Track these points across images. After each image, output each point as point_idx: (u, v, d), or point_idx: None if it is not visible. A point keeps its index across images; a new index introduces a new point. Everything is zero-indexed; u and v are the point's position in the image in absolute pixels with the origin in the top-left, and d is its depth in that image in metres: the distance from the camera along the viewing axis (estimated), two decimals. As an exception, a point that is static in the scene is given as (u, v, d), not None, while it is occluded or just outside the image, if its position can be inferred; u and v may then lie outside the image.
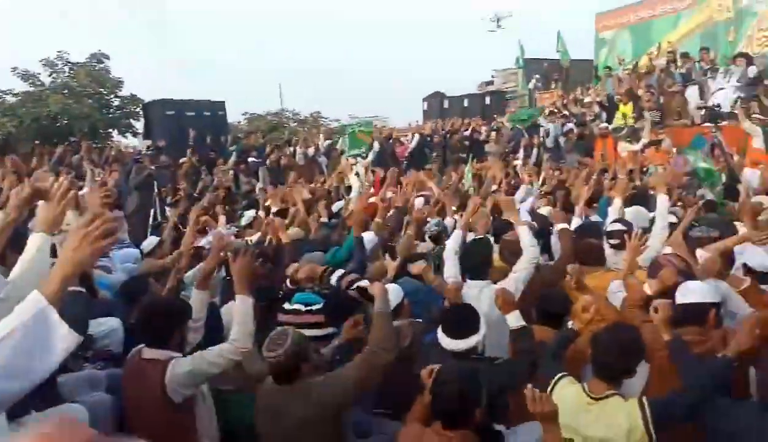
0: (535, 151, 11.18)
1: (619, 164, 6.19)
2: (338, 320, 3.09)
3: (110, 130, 16.40)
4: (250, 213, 6.87)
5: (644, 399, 2.20)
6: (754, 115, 7.84)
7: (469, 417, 2.06)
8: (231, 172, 11.21)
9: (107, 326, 3.55)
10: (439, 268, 3.91)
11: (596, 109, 12.06)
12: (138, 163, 9.03)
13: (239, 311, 2.66)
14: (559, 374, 2.39)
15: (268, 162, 12.30)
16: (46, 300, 1.43)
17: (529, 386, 2.05)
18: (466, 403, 2.05)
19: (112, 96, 16.49)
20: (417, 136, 13.20)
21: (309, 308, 3.03)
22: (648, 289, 2.84)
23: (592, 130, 11.33)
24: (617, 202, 4.98)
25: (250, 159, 12.44)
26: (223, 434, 2.91)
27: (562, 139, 11.62)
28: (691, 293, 2.61)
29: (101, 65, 16.37)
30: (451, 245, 3.80)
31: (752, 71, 9.47)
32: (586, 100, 13.27)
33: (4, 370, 1.36)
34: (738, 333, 2.33)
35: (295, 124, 19.78)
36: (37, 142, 13.57)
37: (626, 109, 11.25)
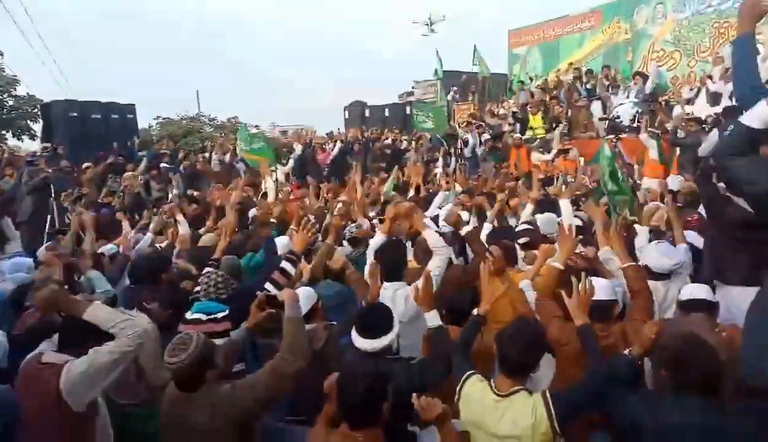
0: (453, 159, 11.46)
1: (534, 172, 6.46)
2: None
3: (3, 131, 15.11)
4: (159, 221, 6.50)
5: (548, 393, 2.23)
6: (649, 129, 8.45)
7: (376, 415, 1.99)
8: (140, 178, 10.60)
9: (-13, 339, 3.18)
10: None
11: (510, 120, 12.57)
12: (31, 166, 8.33)
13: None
14: (468, 372, 2.38)
15: (181, 168, 11.78)
16: None
17: (420, 397, 2.03)
18: (371, 401, 1.99)
19: (5, 95, 15.22)
20: (338, 143, 13.15)
21: (212, 316, 2.85)
22: (556, 262, 2.96)
23: (506, 141, 11.78)
24: (529, 207, 5.21)
25: (162, 165, 11.85)
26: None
27: (479, 149, 12.01)
28: (596, 290, 2.72)
29: (-10, 62, 15.10)
30: (373, 245, 3.79)
31: (643, 91, 10.28)
32: (501, 112, 13.81)
33: None
34: (641, 335, 2.42)
35: (212, 129, 19.12)
36: None
37: (537, 121, 11.83)
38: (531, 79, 14.97)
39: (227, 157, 12.42)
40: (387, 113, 16.71)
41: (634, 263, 3.03)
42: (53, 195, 7.45)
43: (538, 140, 11.17)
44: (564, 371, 2.67)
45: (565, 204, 4.45)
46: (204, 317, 2.83)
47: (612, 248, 3.24)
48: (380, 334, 2.53)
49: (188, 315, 2.88)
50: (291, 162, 11.42)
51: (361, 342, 2.52)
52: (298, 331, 2.40)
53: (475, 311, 2.68)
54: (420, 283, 2.83)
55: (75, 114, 13.35)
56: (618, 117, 9.71)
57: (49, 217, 7.29)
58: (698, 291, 2.87)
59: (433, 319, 2.68)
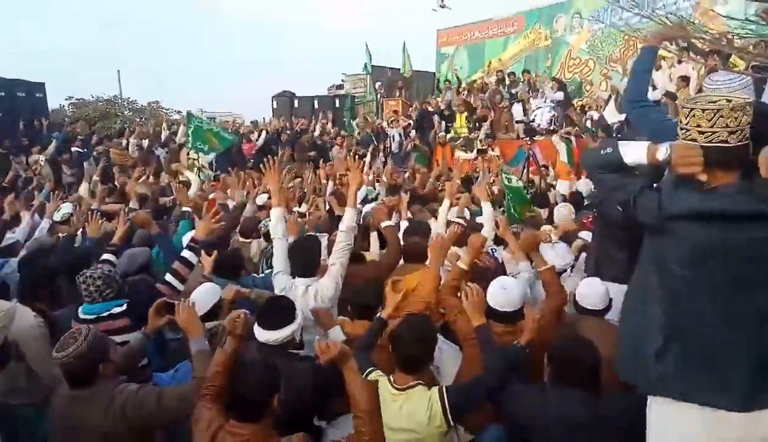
0: (380, 155, 11.61)
1: (456, 169, 6.67)
2: (145, 321, 2.84)
3: None
4: (66, 207, 6.15)
5: (444, 387, 2.34)
6: (562, 132, 8.93)
7: (264, 408, 2.01)
8: (45, 161, 9.98)
9: None
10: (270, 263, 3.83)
11: (436, 118, 12.85)
12: None
13: None
14: (369, 369, 2.46)
15: (95, 153, 11.19)
16: None
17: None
18: (260, 393, 2.00)
19: None
20: (264, 133, 12.94)
21: (109, 312, 2.75)
22: (462, 263, 3.07)
23: (432, 138, 12.06)
24: (446, 203, 5.38)
25: (74, 149, 11.20)
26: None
27: (405, 145, 12.22)
28: (504, 300, 2.83)
29: None
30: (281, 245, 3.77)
31: (559, 96, 10.82)
32: (429, 109, 14.09)
33: None
34: (526, 326, 2.60)
35: (131, 113, 18.23)
36: None
37: (462, 120, 12.18)
38: (458, 78, 15.37)
39: (146, 143, 11.92)
40: (316, 105, 16.59)
41: (550, 266, 3.14)
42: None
43: (462, 139, 11.50)
44: (472, 364, 2.77)
45: (486, 206, 4.60)
46: (100, 315, 2.72)
47: (525, 254, 3.34)
48: (281, 325, 2.54)
49: (80, 314, 2.76)
50: (211, 154, 11.10)
51: (261, 334, 2.52)
52: (205, 361, 2.32)
53: (379, 313, 2.75)
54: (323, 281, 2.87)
55: (-25, 90, 12.35)
56: (534, 120, 10.19)
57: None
58: (590, 291, 3.01)
59: (337, 335, 2.75)
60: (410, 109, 14.35)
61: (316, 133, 13.41)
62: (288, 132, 13.46)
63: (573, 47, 13.28)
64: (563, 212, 5.23)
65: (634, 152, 1.86)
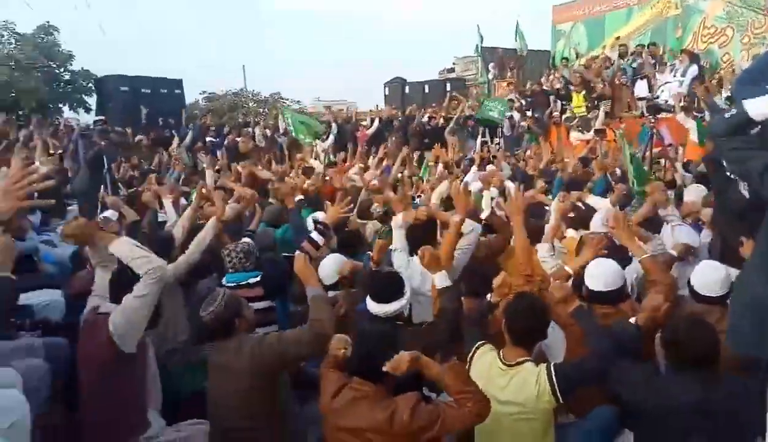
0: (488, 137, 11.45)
1: (567, 151, 6.47)
2: (277, 293, 3.21)
3: (60, 104, 15.85)
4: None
5: (552, 365, 2.36)
6: (692, 109, 8.22)
7: (383, 374, 2.14)
8: (187, 151, 11.03)
9: (48, 298, 3.55)
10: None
11: (551, 98, 12.38)
12: (84, 138, 8.79)
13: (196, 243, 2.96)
14: (479, 342, 2.53)
15: (226, 142, 12.16)
16: None
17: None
18: (377, 358, 2.14)
19: (62, 70, 15.93)
20: (376, 120, 13.25)
21: (245, 282, 3.12)
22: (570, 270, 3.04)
23: (546, 120, 11.66)
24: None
25: (208, 138, 12.27)
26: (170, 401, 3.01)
27: (519, 127, 11.93)
28: (603, 280, 2.80)
29: (50, 38, 15.76)
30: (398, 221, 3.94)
31: (693, 71, 9.90)
32: (543, 89, 13.57)
33: None
34: (645, 305, 2.52)
35: (255, 104, 19.50)
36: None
37: (579, 99, 11.62)
38: (576, 54, 14.62)
39: (269, 132, 12.74)
40: (427, 89, 16.64)
41: (649, 255, 3.04)
42: (106, 166, 7.86)
43: (578, 119, 10.99)
44: (573, 351, 2.76)
45: (595, 202, 4.46)
46: (239, 283, 3.11)
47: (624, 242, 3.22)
48: (391, 299, 2.72)
49: (223, 281, 3.17)
50: (330, 138, 11.62)
51: (373, 306, 2.73)
52: (319, 304, 2.63)
53: (488, 296, 2.80)
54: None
55: (126, 88, 13.89)
56: (658, 97, 9.47)
57: (102, 186, 7.71)
58: (710, 276, 2.83)
59: (440, 280, 2.83)
60: (523, 89, 13.93)
61: (424, 119, 13.47)
62: (400, 119, 13.66)
63: (707, 15, 12.09)
64: (694, 193, 4.88)
65: (759, 105, 1.72)
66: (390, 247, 3.56)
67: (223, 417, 2.61)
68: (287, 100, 20.23)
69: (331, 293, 3.07)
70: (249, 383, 2.51)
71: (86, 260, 3.76)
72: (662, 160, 7.62)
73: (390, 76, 17.59)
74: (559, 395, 2.28)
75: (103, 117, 11.36)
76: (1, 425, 2.09)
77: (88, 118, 15.04)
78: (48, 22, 15.73)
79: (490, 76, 15.52)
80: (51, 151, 7.96)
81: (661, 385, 2.21)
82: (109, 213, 5.45)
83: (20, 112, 13.66)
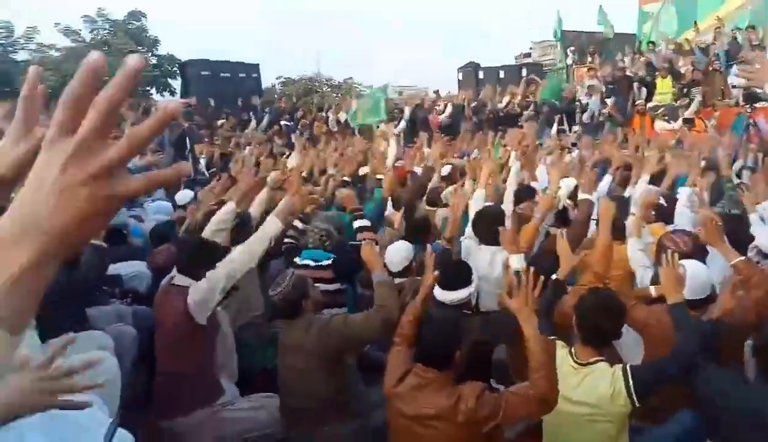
0: (566, 125, 11.03)
1: (642, 141, 6.11)
2: (346, 276, 3.28)
3: (148, 88, 16.74)
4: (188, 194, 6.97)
5: (628, 366, 2.26)
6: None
7: (447, 359, 2.15)
8: (263, 134, 11.38)
9: (136, 269, 3.78)
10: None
11: (635, 85, 11.75)
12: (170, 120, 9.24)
13: (264, 229, 2.99)
14: (549, 338, 2.45)
15: (300, 126, 12.44)
16: None
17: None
18: (443, 344, 2.15)
19: (149, 54, 16.82)
20: (449, 106, 13.10)
21: (318, 263, 3.20)
22: (653, 292, 2.88)
23: (629, 107, 11.09)
24: (643, 179, 4.99)
25: (282, 122, 12.60)
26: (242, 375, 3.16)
27: (599, 115, 11.43)
28: (693, 288, 2.63)
29: (138, 23, 16.65)
30: (474, 206, 3.93)
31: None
32: (627, 75, 12.88)
33: None
34: (720, 303, 2.37)
35: (329, 89, 19.80)
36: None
37: (666, 85, 10.96)
38: (664, 38, 13.77)
39: (342, 116, 12.90)
40: (502, 75, 16.26)
41: (743, 258, 2.83)
42: (189, 147, 8.27)
43: (664, 107, 10.38)
44: (652, 355, 2.63)
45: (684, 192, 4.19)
46: (312, 263, 3.19)
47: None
48: (459, 287, 2.70)
49: (297, 260, 3.26)
50: (402, 124, 11.62)
51: (439, 294, 2.72)
52: (385, 290, 2.68)
53: (553, 276, 2.74)
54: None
55: (207, 73, 14.49)
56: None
57: (184, 167, 8.11)
58: None
59: (516, 261, 2.78)
60: (605, 75, 13.29)
61: (501, 104, 13.16)
62: (473, 104, 13.43)
63: (818, -7, 11.02)
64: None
65: None
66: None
67: (291, 395, 2.71)
68: (359, 85, 20.39)
69: (397, 280, 3.09)
70: (315, 363, 2.58)
71: (171, 233, 4.00)
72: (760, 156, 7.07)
73: (463, 61, 17.33)
74: (635, 398, 2.18)
75: (188, 100, 11.93)
76: (95, 382, 2.27)
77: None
78: (137, 8, 16.66)
79: (569, 61, 14.94)
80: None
81: (751, 395, 2.06)
82: (181, 194, 5.75)
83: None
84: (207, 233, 3.28)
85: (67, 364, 2.30)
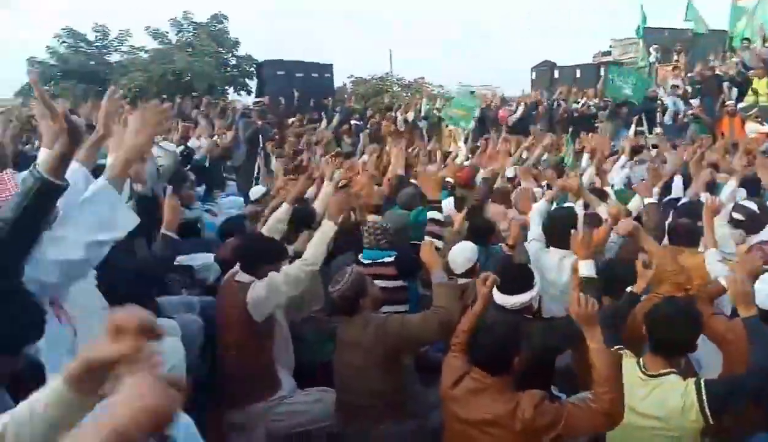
0: (645, 126, 10.49)
1: (742, 144, 5.69)
2: (408, 275, 3.26)
3: (227, 87, 17.44)
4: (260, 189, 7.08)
5: (702, 380, 2.11)
6: None
7: (505, 365, 2.09)
8: (331, 132, 11.56)
9: (206, 261, 3.93)
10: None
11: (726, 85, 10.98)
12: (245, 118, 9.58)
13: (321, 232, 2.95)
14: (616, 347, 2.32)
15: (369, 126, 12.55)
16: (110, 183, 1.78)
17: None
18: (501, 350, 2.08)
19: (229, 55, 17.52)
20: (521, 105, 12.78)
21: (380, 261, 3.20)
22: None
23: (717, 108, 10.39)
24: (731, 183, 4.67)
25: (352, 122, 12.76)
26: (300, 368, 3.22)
27: (682, 116, 10.78)
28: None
29: (220, 26, 17.38)
30: (537, 209, 3.83)
31: None
32: (716, 74, 12.06)
33: (80, 225, 1.71)
34: None
35: (399, 89, 19.82)
36: (164, 96, 14.76)
37: (762, 85, 10.17)
38: (764, 35, 12.76)
39: (410, 116, 12.90)
40: (578, 74, 15.67)
41: None
42: (262, 145, 8.54)
43: (757, 108, 9.63)
44: (729, 370, 2.44)
45: None
46: (373, 261, 3.21)
47: None
48: (519, 291, 2.61)
49: (360, 258, 3.29)
50: (471, 123, 11.45)
51: (499, 297, 2.64)
52: (443, 292, 2.64)
53: (629, 289, 2.59)
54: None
55: (282, 73, 14.92)
56: None
57: (257, 163, 8.40)
58: None
59: (586, 268, 2.66)
60: (692, 74, 12.50)
61: (576, 105, 12.68)
62: (546, 105, 13.03)
63: None
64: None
65: None
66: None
67: (347, 391, 2.72)
68: (430, 84, 20.30)
69: (461, 281, 3.04)
70: (372, 361, 2.57)
71: (240, 229, 4.15)
72: None
73: (538, 60, 16.85)
74: (708, 414, 2.03)
75: (262, 99, 12.32)
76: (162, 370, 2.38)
77: (248, 101, 16.38)
78: (219, 11, 17.41)
79: (652, 60, 14.17)
80: (216, 132, 8.79)
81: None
82: (255, 189, 5.92)
83: (194, 94, 15.26)
84: (265, 230, 3.36)
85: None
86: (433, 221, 3.39)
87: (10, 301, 1.45)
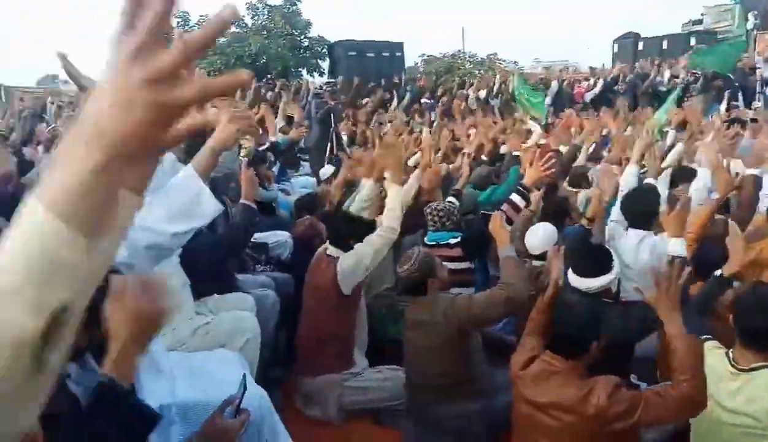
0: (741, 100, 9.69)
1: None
2: (477, 254, 3.22)
3: (300, 69, 17.74)
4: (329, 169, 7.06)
5: None
6: None
7: (579, 350, 2.01)
8: (401, 112, 11.51)
9: (280, 238, 4.06)
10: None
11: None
12: (318, 98, 9.72)
13: (391, 198, 3.05)
14: (704, 337, 2.18)
15: (440, 104, 12.39)
16: (197, 172, 1.83)
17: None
18: (576, 337, 2.01)
19: (302, 37, 17.77)
20: (600, 80, 12.17)
21: (445, 242, 3.19)
22: None
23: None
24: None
25: (423, 100, 12.65)
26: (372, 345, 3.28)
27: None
28: None
29: (293, 8, 17.64)
30: (628, 173, 3.73)
31: None
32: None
33: (167, 215, 1.78)
34: None
35: (471, 66, 19.40)
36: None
37: None
38: None
39: (482, 94, 12.61)
40: (665, 46, 14.67)
41: None
42: (333, 125, 8.63)
43: None
44: None
45: None
46: (439, 242, 3.20)
47: None
48: (596, 273, 2.51)
49: (425, 240, 3.29)
50: (548, 99, 11.06)
51: (575, 280, 2.54)
52: (511, 266, 2.58)
53: (718, 272, 2.42)
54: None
55: (353, 53, 14.98)
56: None
57: (328, 144, 8.51)
58: None
59: (677, 247, 2.52)
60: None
61: (660, 78, 11.90)
62: (627, 79, 12.32)
63: None
64: None
65: None
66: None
67: (416, 371, 2.73)
68: (504, 61, 19.73)
69: (536, 263, 2.96)
70: (440, 341, 2.57)
71: (314, 206, 4.26)
72: None
73: (621, 31, 15.93)
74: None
75: (334, 79, 12.46)
76: (238, 342, 2.50)
77: (321, 81, 16.59)
78: (294, -8, 17.64)
79: (749, 27, 13.03)
80: (289, 114, 8.97)
81: None
82: (324, 170, 6.01)
83: (269, 76, 15.64)
84: (354, 208, 3.41)
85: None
86: (511, 203, 3.32)
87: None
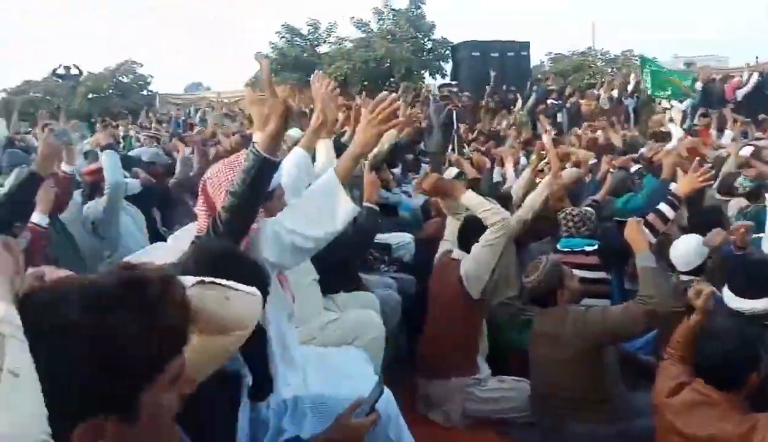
0: None
1: None
2: (612, 265, 3.01)
3: (423, 71, 17.85)
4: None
5: None
6: None
7: (735, 381, 1.82)
8: (525, 113, 11.16)
9: (403, 240, 4.10)
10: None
11: None
12: (437, 102, 9.70)
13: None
14: None
15: (568, 104, 11.82)
16: (337, 176, 1.85)
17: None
18: (732, 365, 1.81)
19: (426, 39, 17.87)
20: (755, 75, 10.87)
21: (580, 249, 3.04)
22: None
23: None
24: None
25: (549, 101, 12.15)
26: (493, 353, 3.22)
27: None
28: None
29: (418, 11, 17.79)
30: None
31: None
32: None
33: (305, 219, 1.85)
34: None
35: (603, 64, 18.29)
36: (365, 83, 15.64)
37: None
38: None
39: (615, 93, 11.84)
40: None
41: None
42: (455, 127, 8.57)
43: None
44: None
45: None
46: (574, 249, 3.03)
47: None
48: (759, 295, 2.21)
49: (559, 245, 3.15)
50: (689, 100, 10.09)
51: (732, 301, 2.26)
52: (650, 276, 2.33)
53: None
54: None
55: (477, 54, 14.77)
56: None
57: (449, 146, 8.47)
58: None
59: None
60: None
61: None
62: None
63: None
64: None
65: None
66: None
67: (544, 383, 2.63)
68: (639, 57, 18.37)
69: (684, 278, 2.70)
70: (570, 355, 2.44)
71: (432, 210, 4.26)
72: None
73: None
74: None
75: (455, 81, 12.38)
76: (363, 340, 2.55)
77: (439, 83, 16.55)
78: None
79: None
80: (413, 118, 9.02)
81: None
82: (449, 171, 5.96)
83: (391, 79, 15.89)
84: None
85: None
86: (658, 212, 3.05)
87: (239, 261, 1.60)
